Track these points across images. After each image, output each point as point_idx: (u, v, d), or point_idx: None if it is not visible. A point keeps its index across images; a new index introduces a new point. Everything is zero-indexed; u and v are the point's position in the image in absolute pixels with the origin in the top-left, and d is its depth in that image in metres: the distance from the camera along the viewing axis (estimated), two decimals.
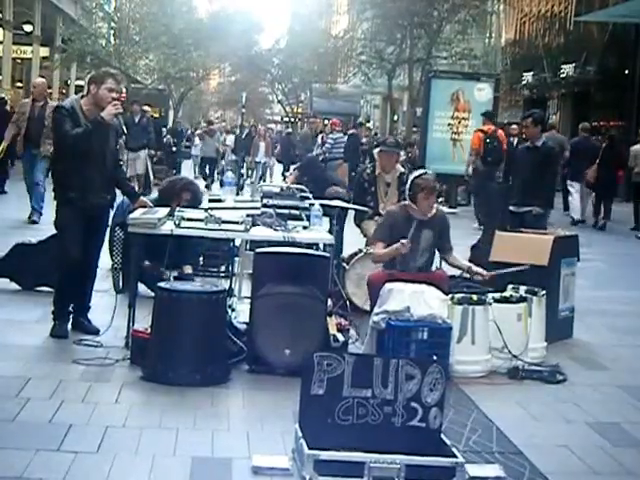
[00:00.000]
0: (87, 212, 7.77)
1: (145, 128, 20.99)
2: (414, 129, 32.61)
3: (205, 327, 6.87)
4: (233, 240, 9.38)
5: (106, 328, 7.75)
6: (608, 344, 9.08)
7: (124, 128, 8.38)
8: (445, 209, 9.38)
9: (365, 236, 10.27)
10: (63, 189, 7.84)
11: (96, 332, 7.86)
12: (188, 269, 9.46)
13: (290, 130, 44.43)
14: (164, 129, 35.12)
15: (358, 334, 8.25)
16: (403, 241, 7.79)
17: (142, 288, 8.68)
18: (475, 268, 8.30)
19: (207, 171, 28.71)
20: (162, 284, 7.18)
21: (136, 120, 20.73)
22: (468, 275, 8.48)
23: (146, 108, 22.55)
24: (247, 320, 7.48)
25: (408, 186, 8.19)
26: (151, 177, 21.91)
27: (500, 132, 19.17)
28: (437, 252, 8.40)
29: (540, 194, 10.97)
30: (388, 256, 8.08)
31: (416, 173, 8.36)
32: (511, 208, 11.20)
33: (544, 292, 8.15)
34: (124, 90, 37.42)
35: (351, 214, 10.52)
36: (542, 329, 8.14)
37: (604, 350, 8.82)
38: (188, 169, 32.36)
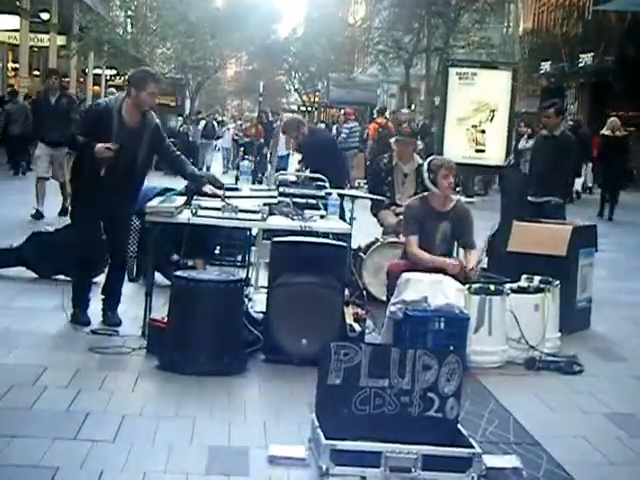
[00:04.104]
0: (102, 204, 7.72)
1: (65, 113, 13.98)
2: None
3: (222, 316, 6.87)
4: (250, 229, 9.37)
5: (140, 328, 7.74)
6: (626, 335, 9.05)
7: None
8: (462, 199, 9.31)
9: (382, 225, 10.25)
10: (80, 183, 7.85)
11: (116, 324, 7.86)
12: (200, 264, 9.44)
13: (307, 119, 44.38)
14: (180, 118, 35.19)
15: (375, 324, 8.24)
16: (454, 262, 7.76)
17: (158, 277, 8.69)
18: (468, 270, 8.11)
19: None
20: (179, 273, 7.18)
21: (52, 100, 14.33)
22: (486, 260, 8.47)
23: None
24: (264, 309, 7.48)
25: (426, 168, 8.16)
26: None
27: (389, 124, 24.59)
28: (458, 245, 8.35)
29: (559, 184, 10.91)
30: (432, 263, 7.88)
31: (430, 158, 8.40)
32: (530, 198, 11.14)
33: (558, 282, 8.11)
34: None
35: (365, 202, 10.50)
36: (556, 320, 8.11)
37: (622, 341, 8.79)
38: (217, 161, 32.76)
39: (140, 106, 7.71)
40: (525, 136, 19.51)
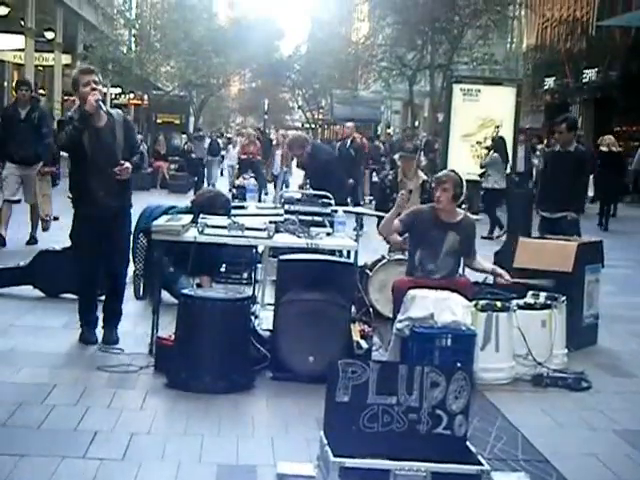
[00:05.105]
0: (99, 220, 7.74)
1: (38, 128, 12.83)
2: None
3: (229, 334, 6.88)
4: (256, 247, 9.39)
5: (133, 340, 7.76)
6: (633, 351, 9.02)
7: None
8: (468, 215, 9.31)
9: (388, 242, 10.25)
10: (74, 200, 7.90)
11: (114, 342, 7.85)
12: (206, 281, 9.44)
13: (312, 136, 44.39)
14: (184, 136, 35.29)
15: (382, 341, 8.24)
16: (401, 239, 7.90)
17: (164, 295, 8.69)
18: (499, 270, 8.31)
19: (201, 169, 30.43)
20: (186, 291, 7.19)
21: (22, 114, 12.85)
22: (492, 278, 8.49)
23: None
24: (271, 327, 7.48)
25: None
26: (42, 212, 13.54)
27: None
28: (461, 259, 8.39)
29: (574, 199, 10.88)
30: (392, 215, 8.27)
31: None
32: (544, 214, 11.12)
33: (564, 298, 8.11)
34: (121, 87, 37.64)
35: (371, 219, 10.51)
36: (563, 336, 8.10)
37: (629, 357, 8.77)
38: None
39: (85, 101, 7.65)
40: (491, 152, 19.72)
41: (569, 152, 10.97)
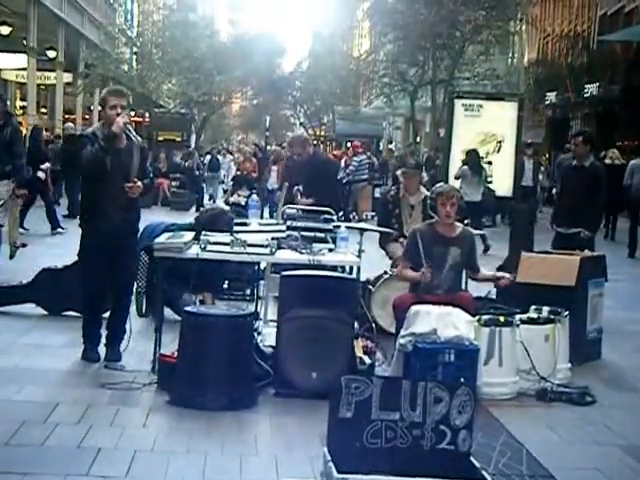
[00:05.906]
0: (108, 239, 7.75)
1: (10, 144, 11.40)
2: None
3: (232, 351, 6.87)
4: (258, 263, 9.38)
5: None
6: (638, 365, 8.99)
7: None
8: (472, 230, 9.31)
9: (390, 258, 10.25)
10: (84, 218, 7.91)
11: (116, 360, 7.83)
12: (209, 298, 9.43)
13: None
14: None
15: (385, 356, 8.22)
16: (424, 270, 7.81)
17: (167, 312, 8.68)
18: (500, 274, 8.39)
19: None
20: (189, 308, 7.18)
21: None
22: (494, 291, 8.53)
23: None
24: (273, 343, 7.47)
25: (430, 196, 8.25)
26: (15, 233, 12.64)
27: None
28: (465, 272, 8.40)
29: (588, 216, 10.85)
30: (411, 280, 8.14)
31: (436, 185, 8.46)
32: (559, 229, 11.08)
33: (567, 313, 8.10)
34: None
35: (373, 235, 10.51)
36: (566, 350, 8.08)
37: (634, 371, 8.74)
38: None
39: (109, 122, 7.71)
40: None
41: (584, 167, 10.91)
